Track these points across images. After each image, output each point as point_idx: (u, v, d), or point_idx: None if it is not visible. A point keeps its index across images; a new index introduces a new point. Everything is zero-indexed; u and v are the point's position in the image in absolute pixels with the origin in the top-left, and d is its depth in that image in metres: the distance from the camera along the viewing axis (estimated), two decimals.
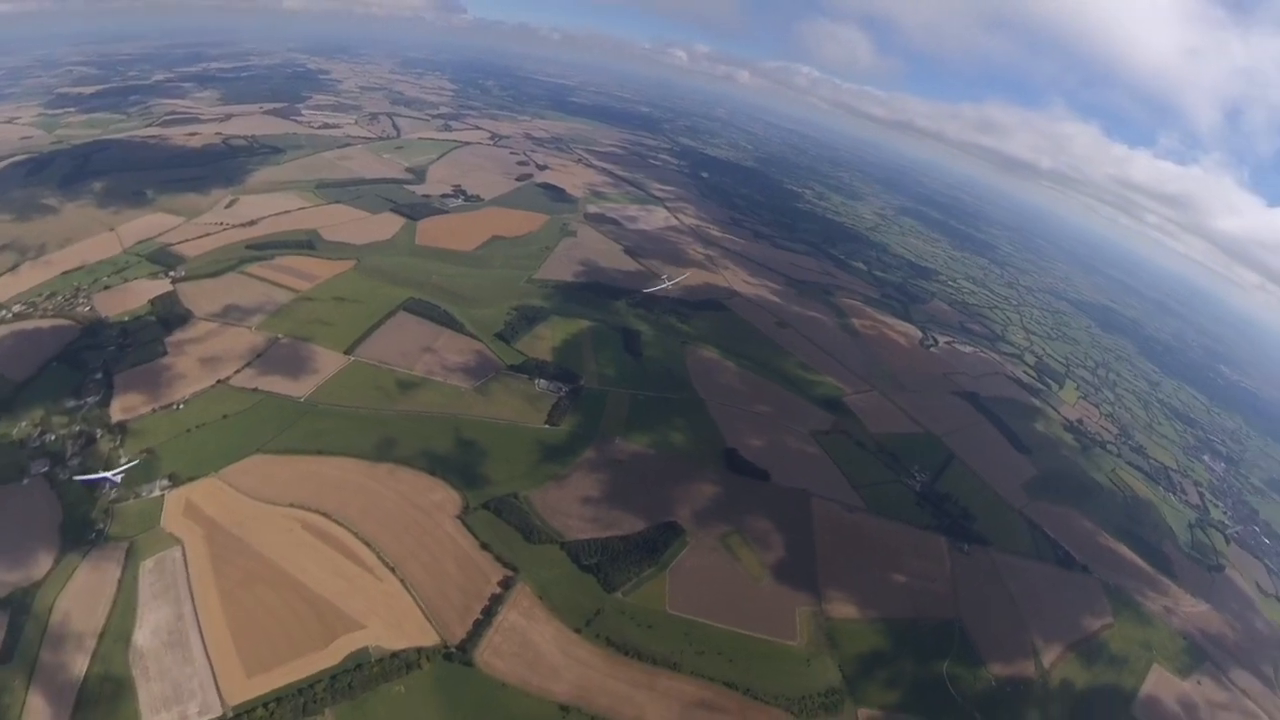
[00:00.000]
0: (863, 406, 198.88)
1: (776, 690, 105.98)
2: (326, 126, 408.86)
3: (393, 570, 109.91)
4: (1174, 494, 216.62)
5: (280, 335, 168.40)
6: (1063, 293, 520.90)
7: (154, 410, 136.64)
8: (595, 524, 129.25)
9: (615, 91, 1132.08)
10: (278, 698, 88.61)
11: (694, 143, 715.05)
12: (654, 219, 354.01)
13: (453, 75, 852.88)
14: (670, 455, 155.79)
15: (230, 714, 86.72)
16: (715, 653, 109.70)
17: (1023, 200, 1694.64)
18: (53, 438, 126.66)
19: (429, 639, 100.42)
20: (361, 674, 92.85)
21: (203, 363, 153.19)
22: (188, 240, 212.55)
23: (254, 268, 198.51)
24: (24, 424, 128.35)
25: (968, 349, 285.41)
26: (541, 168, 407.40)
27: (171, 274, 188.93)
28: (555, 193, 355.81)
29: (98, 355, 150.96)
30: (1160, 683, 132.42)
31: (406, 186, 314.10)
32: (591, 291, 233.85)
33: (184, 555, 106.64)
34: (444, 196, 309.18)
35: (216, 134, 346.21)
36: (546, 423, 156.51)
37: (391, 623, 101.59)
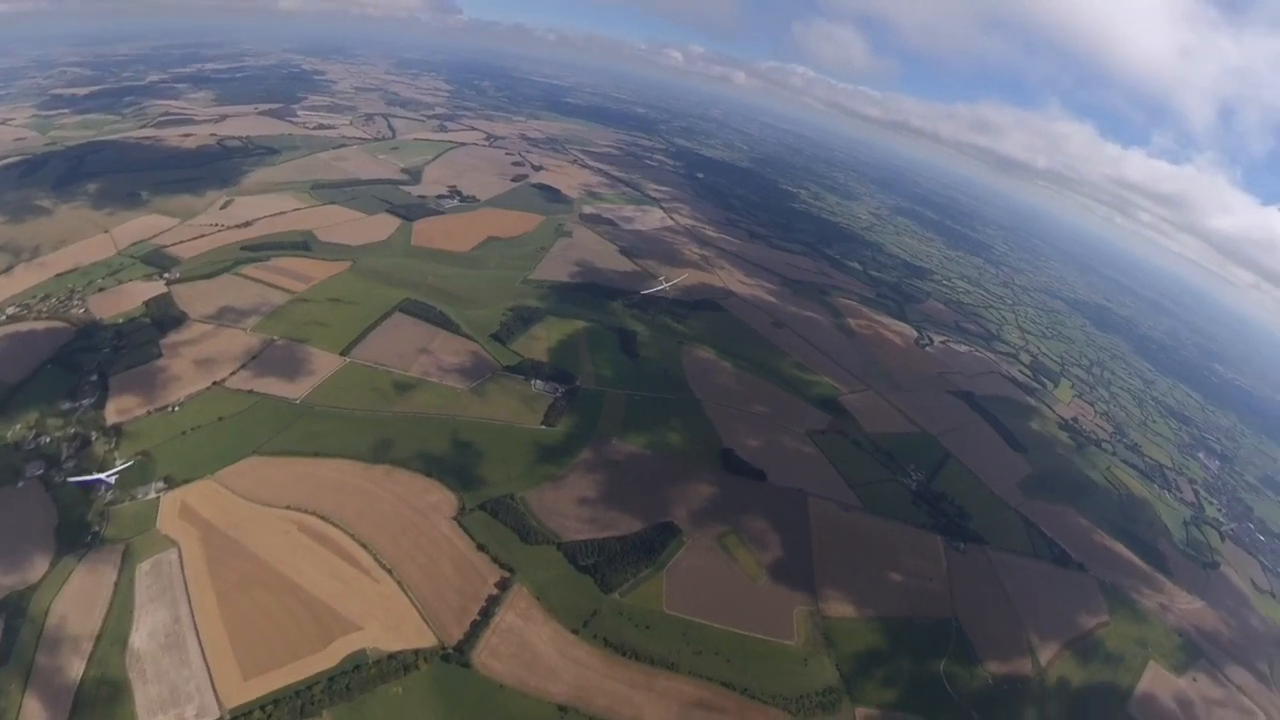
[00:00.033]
0: (859, 406, 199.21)
1: (774, 690, 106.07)
2: (322, 127, 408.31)
3: (389, 572, 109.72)
4: (1169, 491, 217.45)
5: (276, 337, 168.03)
6: (1058, 292, 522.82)
7: (149, 412, 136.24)
8: (592, 525, 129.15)
9: (611, 92, 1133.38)
10: (275, 700, 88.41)
11: (689, 143, 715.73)
12: (649, 219, 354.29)
13: (448, 76, 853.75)
14: (667, 456, 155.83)
15: (228, 716, 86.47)
16: (713, 653, 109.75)
17: (1019, 200, 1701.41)
18: (48, 440, 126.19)
19: (426, 640, 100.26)
20: (359, 676, 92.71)
21: (198, 365, 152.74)
22: (182, 242, 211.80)
23: (249, 269, 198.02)
24: (19, 426, 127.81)
25: (963, 348, 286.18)
26: (537, 168, 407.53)
27: (166, 276, 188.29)
28: (551, 193, 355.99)
29: (92, 357, 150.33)
30: (1156, 680, 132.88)
31: (402, 187, 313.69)
32: (587, 292, 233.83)
33: (180, 557, 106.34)
34: (439, 197, 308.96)
35: (211, 135, 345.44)
36: (543, 424, 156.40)
37: (389, 624, 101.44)
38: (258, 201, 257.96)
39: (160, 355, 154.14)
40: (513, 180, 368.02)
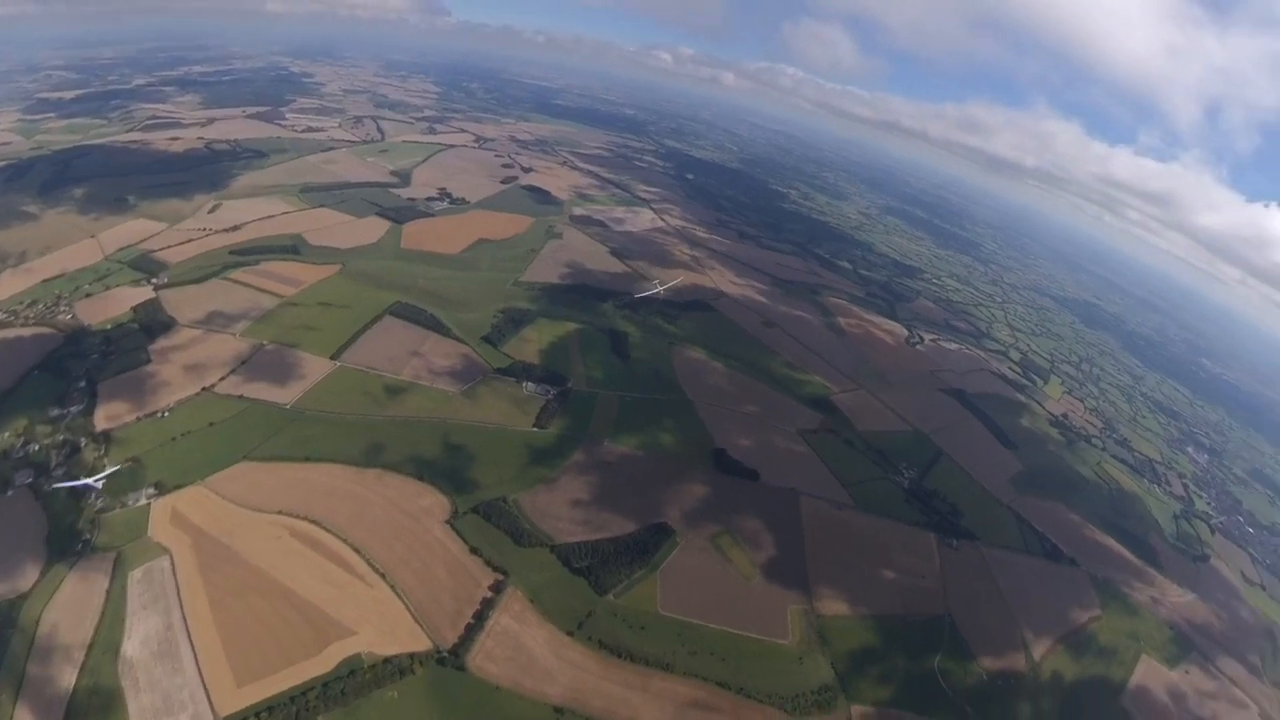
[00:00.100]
0: (850, 405, 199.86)
1: (770, 689, 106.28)
2: (310, 130, 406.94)
3: (383, 576, 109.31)
4: (1159, 486, 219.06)
5: (265, 341, 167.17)
6: (1047, 289, 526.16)
7: (139, 418, 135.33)
8: (585, 526, 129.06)
9: (600, 94, 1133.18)
10: (270, 706, 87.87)
11: (679, 145, 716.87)
12: (640, 221, 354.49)
13: (437, 78, 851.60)
14: (659, 456, 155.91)
15: None
16: (708, 653, 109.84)
17: (1008, 199, 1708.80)
18: (36, 448, 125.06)
19: (421, 644, 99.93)
20: (354, 681, 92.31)
21: (187, 370, 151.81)
22: (170, 246, 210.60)
23: (238, 273, 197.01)
24: (7, 434, 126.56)
25: (953, 346, 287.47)
26: (526, 170, 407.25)
27: (154, 281, 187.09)
28: (541, 195, 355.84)
29: (81, 363, 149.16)
30: (1149, 673, 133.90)
31: (391, 190, 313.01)
32: (578, 294, 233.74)
33: (172, 564, 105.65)
34: (429, 200, 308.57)
35: (199, 138, 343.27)
36: (535, 426, 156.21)
37: (383, 629, 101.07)
38: (246, 205, 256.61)
39: (149, 361, 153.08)
40: (502, 182, 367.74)
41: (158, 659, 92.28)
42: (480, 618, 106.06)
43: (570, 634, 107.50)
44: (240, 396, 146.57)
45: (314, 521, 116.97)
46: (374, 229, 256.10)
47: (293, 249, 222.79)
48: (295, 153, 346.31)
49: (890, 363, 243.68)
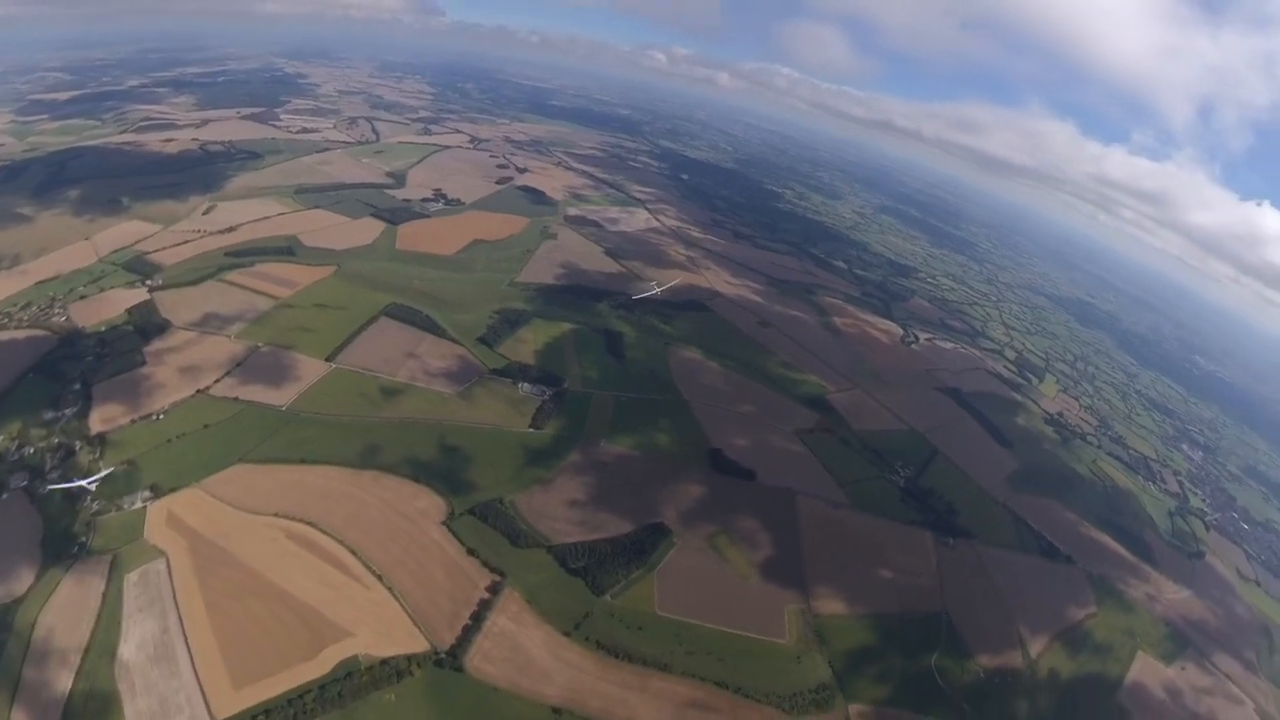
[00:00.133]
0: (846, 404, 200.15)
1: (768, 688, 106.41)
2: (305, 131, 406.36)
3: (380, 578, 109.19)
4: (1154, 483, 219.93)
5: (261, 343, 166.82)
6: (1041, 288, 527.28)
7: (133, 421, 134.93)
8: (582, 527, 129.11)
9: (595, 94, 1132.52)
10: (267, 709, 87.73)
11: (674, 145, 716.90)
12: (635, 221, 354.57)
13: (431, 78, 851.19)
14: (655, 457, 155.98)
15: None
16: (705, 653, 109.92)
17: (1002, 198, 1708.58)
18: (31, 451, 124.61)
19: (418, 646, 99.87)
20: (351, 683, 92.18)
21: (182, 372, 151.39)
22: (165, 248, 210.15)
23: (233, 275, 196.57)
24: (1, 438, 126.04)
25: (949, 345, 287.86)
26: (521, 171, 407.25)
27: (149, 283, 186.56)
28: (536, 196, 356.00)
29: (75, 366, 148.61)
30: (1145, 669, 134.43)
31: (386, 191, 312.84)
32: (573, 294, 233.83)
33: (168, 567, 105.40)
34: (424, 200, 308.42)
35: (193, 140, 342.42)
36: (530, 426, 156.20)
37: (380, 630, 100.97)
38: (241, 207, 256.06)
39: (144, 363, 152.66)
40: (497, 183, 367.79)
41: (154, 662, 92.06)
42: (477, 619, 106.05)
43: (568, 634, 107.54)
44: (235, 399, 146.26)
45: (310, 523, 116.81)
46: (369, 230, 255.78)
47: (288, 250, 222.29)
48: (290, 154, 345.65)
49: (886, 362, 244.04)
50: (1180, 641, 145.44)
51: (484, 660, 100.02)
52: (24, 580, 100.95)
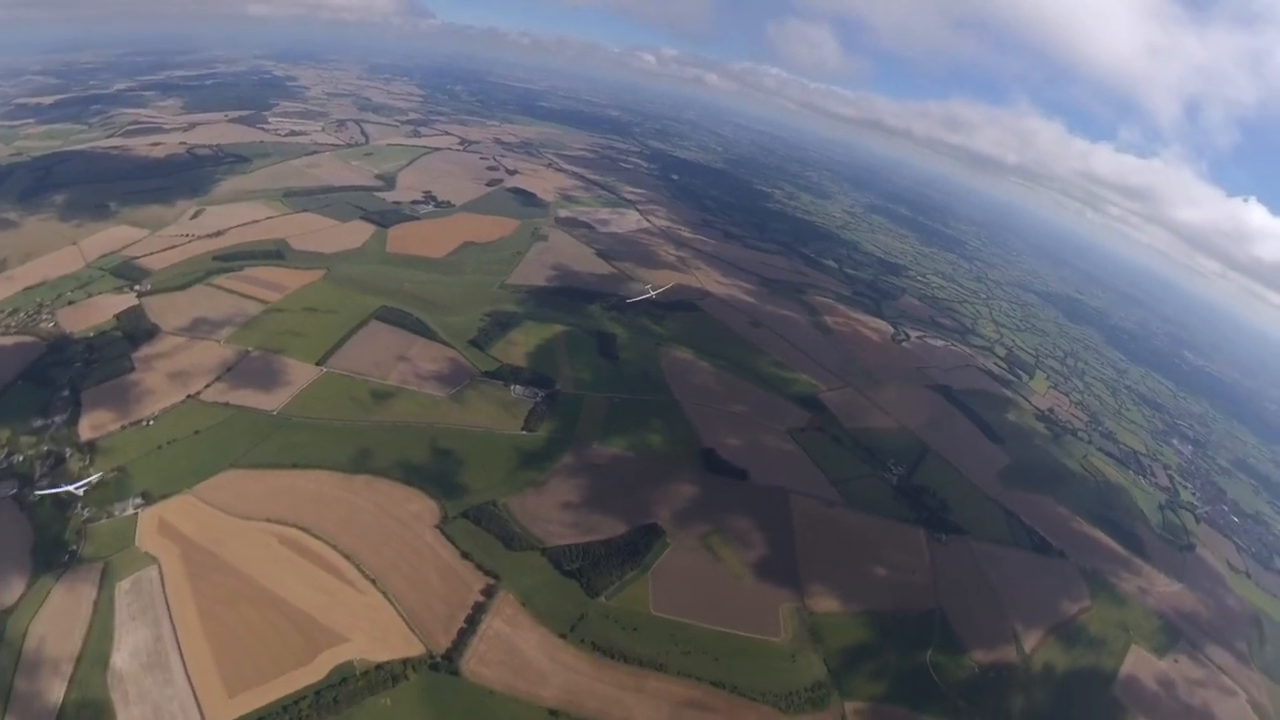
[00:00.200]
0: (838, 403, 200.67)
1: (763, 687, 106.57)
2: (294, 134, 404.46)
3: (374, 582, 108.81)
4: (1144, 477, 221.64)
5: (250, 348, 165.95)
6: (1030, 285, 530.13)
7: (123, 427, 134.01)
8: (575, 529, 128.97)
9: (584, 96, 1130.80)
10: (261, 716, 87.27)
11: (664, 146, 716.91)
12: (626, 222, 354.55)
13: (421, 80, 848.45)
14: (648, 457, 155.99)
15: None
16: (701, 652, 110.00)
17: (991, 196, 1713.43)
18: (20, 458, 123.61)
19: (414, 650, 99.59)
20: (347, 688, 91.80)
21: (172, 378, 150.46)
22: (153, 253, 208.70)
23: (222, 279, 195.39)
24: None
25: (939, 343, 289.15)
26: (512, 173, 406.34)
27: (137, 288, 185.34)
28: (526, 197, 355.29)
29: (64, 372, 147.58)
30: (1139, 662, 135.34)
31: (376, 193, 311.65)
32: (565, 296, 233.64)
33: (160, 574, 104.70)
34: (414, 203, 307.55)
35: (180, 143, 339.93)
36: (523, 429, 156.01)
37: (375, 635, 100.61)
38: (229, 210, 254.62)
39: (133, 369, 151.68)
40: (487, 185, 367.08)
41: (147, 670, 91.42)
42: (472, 622, 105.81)
43: (563, 636, 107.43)
44: (226, 404, 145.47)
45: (303, 528, 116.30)
46: (359, 233, 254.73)
47: (277, 254, 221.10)
48: (278, 157, 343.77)
49: (877, 360, 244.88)
50: (1173, 634, 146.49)
51: (480, 663, 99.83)
52: (14, 589, 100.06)
